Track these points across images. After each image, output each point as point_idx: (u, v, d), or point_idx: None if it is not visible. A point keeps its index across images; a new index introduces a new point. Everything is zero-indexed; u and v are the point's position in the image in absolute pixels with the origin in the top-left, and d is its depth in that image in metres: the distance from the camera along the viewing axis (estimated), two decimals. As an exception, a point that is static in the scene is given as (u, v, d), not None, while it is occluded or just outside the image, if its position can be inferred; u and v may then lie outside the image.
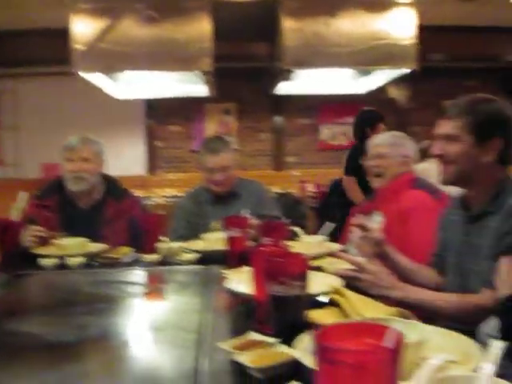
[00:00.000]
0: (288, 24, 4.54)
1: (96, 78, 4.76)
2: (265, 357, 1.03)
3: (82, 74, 4.49)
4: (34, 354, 1.30)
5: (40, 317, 1.67)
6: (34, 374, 1.14)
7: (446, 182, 1.78)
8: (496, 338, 0.97)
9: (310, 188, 6.58)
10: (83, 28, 4.50)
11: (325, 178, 6.33)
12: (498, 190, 1.66)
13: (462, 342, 1.07)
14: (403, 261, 1.90)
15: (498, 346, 0.86)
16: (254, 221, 2.29)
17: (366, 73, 5.04)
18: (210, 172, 2.85)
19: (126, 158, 7.31)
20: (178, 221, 2.84)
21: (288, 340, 1.10)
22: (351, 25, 4.52)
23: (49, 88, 7.71)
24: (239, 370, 1.03)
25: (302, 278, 1.14)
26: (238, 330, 1.23)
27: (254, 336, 1.16)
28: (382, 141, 2.60)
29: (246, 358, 1.03)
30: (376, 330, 0.66)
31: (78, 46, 4.47)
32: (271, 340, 1.12)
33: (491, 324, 1.27)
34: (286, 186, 7.03)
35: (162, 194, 6.78)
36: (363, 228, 1.86)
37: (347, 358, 0.58)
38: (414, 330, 1.03)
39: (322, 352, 0.60)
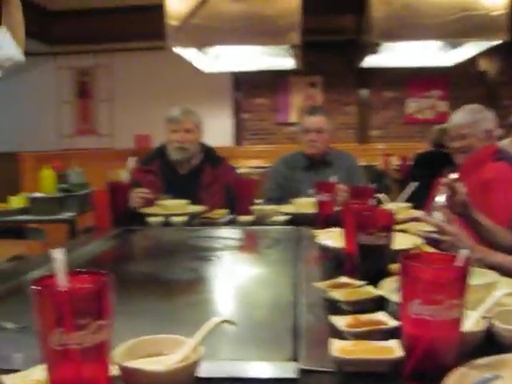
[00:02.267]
0: (376, -4, 4.55)
1: (186, 53, 4.96)
2: (354, 294, 1.21)
3: (175, 48, 4.70)
4: (151, 288, 1.55)
5: (151, 261, 1.94)
6: (151, 304, 1.38)
7: None
8: None
9: (395, 161, 6.61)
10: (177, 4, 4.68)
11: (409, 151, 6.35)
12: None
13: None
14: (484, 221, 2.00)
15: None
16: (343, 186, 2.46)
17: (455, 45, 4.98)
18: (306, 132, 3.07)
19: (213, 130, 7.59)
20: (271, 183, 3.08)
21: (374, 284, 1.27)
22: (441, -5, 4.49)
23: (141, 62, 8.08)
24: (331, 304, 1.21)
25: (388, 230, 1.30)
26: (328, 277, 1.41)
27: (344, 279, 1.34)
28: (462, 121, 2.65)
29: (338, 294, 1.21)
30: (449, 259, 0.82)
31: (172, 22, 4.66)
32: (359, 282, 1.29)
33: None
34: (370, 159, 7.08)
35: (247, 165, 7.03)
36: (452, 188, 1.97)
37: (425, 275, 0.75)
38: (485, 276, 1.18)
39: (407, 271, 0.78)
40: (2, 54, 2.03)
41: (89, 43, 7.79)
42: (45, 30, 7.54)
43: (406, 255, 0.83)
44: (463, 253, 0.79)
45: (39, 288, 0.71)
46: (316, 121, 3.09)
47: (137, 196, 2.68)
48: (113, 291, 0.73)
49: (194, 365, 0.79)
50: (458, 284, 0.75)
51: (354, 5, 5.58)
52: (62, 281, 0.73)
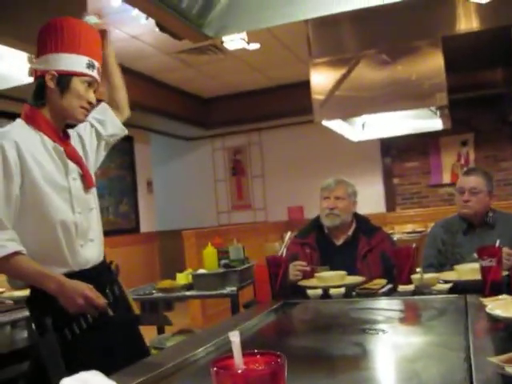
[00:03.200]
0: (526, 46, 4.40)
1: (334, 124, 5.07)
2: (534, 370, 1.13)
3: (323, 122, 4.82)
4: (316, 364, 1.55)
5: (313, 335, 1.96)
6: (316, 381, 1.37)
7: None
8: None
9: None
10: (321, 79, 4.83)
11: None
12: None
13: None
14: None
15: None
16: (508, 250, 2.33)
17: None
18: (460, 192, 2.98)
19: (365, 197, 7.57)
20: (430, 249, 2.99)
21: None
22: None
23: (289, 136, 8.40)
24: (509, 381, 1.14)
25: None
26: (503, 350, 1.32)
27: (521, 353, 1.25)
28: None
29: (516, 370, 1.13)
30: None
31: (318, 96, 4.81)
32: (539, 357, 1.20)
33: None
34: (535, 216, 6.59)
35: (402, 231, 6.87)
36: None
37: None
38: None
39: None
40: (104, 131, 2.14)
41: (240, 124, 8.29)
42: (202, 117, 8.19)
43: None
44: None
45: (219, 369, 0.76)
46: (470, 180, 2.98)
47: (295, 269, 2.74)
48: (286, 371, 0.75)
49: None
50: None
51: (500, 58, 5.43)
52: (239, 362, 0.77)
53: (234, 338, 0.77)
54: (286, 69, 7.05)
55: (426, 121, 5.51)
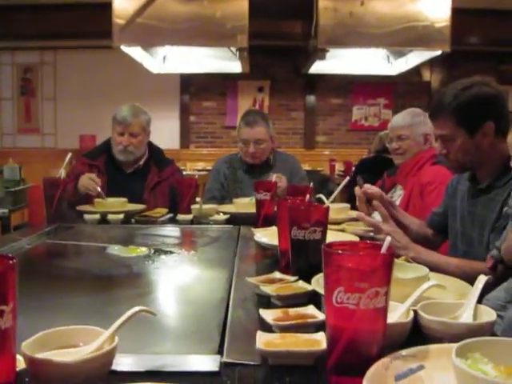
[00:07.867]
0: (324, 3, 4.60)
1: (134, 52, 4.88)
2: (285, 288, 1.19)
3: (122, 47, 4.60)
4: (82, 283, 1.52)
5: (84, 257, 1.92)
6: (79, 298, 1.34)
7: (456, 172, 1.94)
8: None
9: (339, 167, 6.69)
10: (124, 2, 4.60)
11: (354, 157, 6.44)
12: (505, 164, 1.72)
13: (459, 284, 1.22)
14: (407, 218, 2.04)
15: (482, 280, 1.01)
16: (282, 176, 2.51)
17: (399, 54, 5.08)
18: (245, 143, 2.97)
19: (160, 132, 7.51)
20: (213, 182, 3.02)
21: (308, 279, 1.25)
22: (387, 6, 4.57)
23: (88, 61, 7.91)
24: (263, 298, 1.19)
25: (322, 224, 1.29)
26: (264, 273, 1.39)
27: (278, 275, 1.32)
28: (401, 122, 2.71)
29: (269, 289, 1.19)
30: (374, 247, 0.82)
31: (119, 20, 4.57)
32: (292, 278, 1.28)
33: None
34: (315, 165, 7.16)
35: (193, 168, 6.99)
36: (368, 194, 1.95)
37: (348, 262, 0.74)
38: (416, 271, 1.18)
39: (329, 259, 0.76)
40: None
41: (33, 39, 7.56)
42: (-14, 24, 7.30)
43: (329, 244, 0.81)
44: (387, 241, 0.79)
45: None
46: (254, 133, 2.95)
47: (91, 181, 2.59)
48: (18, 277, 0.68)
49: (107, 355, 0.75)
50: (381, 272, 0.74)
51: (302, 11, 5.62)
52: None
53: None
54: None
55: (225, 62, 5.56)
